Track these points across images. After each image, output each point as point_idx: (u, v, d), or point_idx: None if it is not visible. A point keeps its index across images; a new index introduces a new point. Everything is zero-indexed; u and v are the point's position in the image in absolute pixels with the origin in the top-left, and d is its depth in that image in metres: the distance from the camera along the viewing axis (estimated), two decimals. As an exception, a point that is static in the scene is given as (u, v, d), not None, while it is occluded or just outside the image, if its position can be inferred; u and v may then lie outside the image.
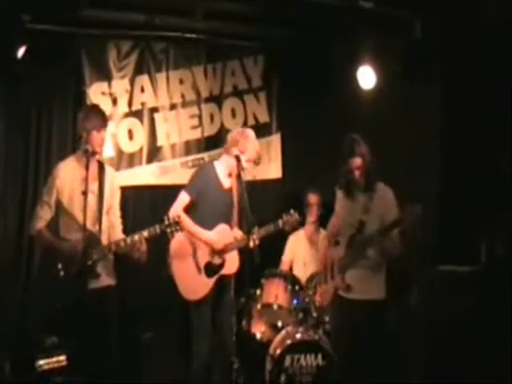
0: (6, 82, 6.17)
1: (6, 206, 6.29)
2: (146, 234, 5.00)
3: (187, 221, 5.44)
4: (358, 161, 5.07)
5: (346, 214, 5.30)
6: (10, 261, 6.25)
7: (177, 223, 5.00)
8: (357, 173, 5.10)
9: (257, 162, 5.71)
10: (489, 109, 5.73)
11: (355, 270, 5.14)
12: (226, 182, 5.63)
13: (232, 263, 5.60)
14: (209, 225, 5.52)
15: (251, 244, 5.26)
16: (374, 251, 5.03)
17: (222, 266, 5.56)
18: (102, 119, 5.15)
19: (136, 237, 4.99)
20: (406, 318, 5.80)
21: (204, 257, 5.54)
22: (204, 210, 5.51)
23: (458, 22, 5.75)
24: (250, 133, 5.73)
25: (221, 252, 5.54)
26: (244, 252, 5.50)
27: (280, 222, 5.65)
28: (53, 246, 5.04)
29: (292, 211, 5.74)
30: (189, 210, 5.52)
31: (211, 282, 5.51)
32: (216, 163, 5.69)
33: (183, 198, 5.50)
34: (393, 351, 5.38)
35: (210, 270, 5.53)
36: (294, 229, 6.16)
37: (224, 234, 5.57)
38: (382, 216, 5.01)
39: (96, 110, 5.27)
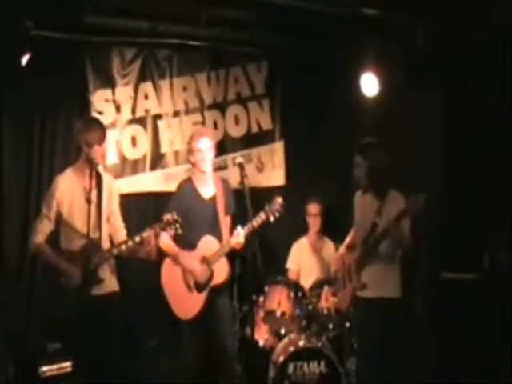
0: (10, 89, 6.17)
1: (10, 215, 6.28)
2: (145, 234, 4.98)
3: (171, 246, 5.58)
4: (358, 159, 5.26)
5: (360, 215, 5.41)
6: (13, 269, 6.24)
7: (176, 221, 4.99)
8: (356, 170, 5.28)
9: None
10: (492, 113, 5.72)
11: (370, 267, 5.18)
12: (207, 194, 5.67)
13: (220, 272, 5.58)
14: (194, 240, 5.55)
15: (236, 244, 5.43)
16: (386, 246, 5.08)
17: (211, 278, 5.55)
18: (102, 132, 5.14)
19: (137, 238, 4.98)
20: (411, 323, 5.78)
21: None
22: (189, 225, 5.35)
23: (461, 27, 5.74)
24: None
25: (207, 263, 5.54)
26: (244, 260, 5.65)
27: (262, 214, 5.50)
28: (52, 263, 5.04)
29: (275, 197, 5.62)
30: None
31: (203, 296, 5.53)
32: (193, 177, 5.73)
33: None
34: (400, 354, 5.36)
35: (200, 285, 5.54)
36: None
37: (208, 246, 5.57)
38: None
39: (95, 122, 5.26)
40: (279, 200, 5.57)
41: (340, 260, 5.56)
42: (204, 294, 5.52)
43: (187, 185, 5.72)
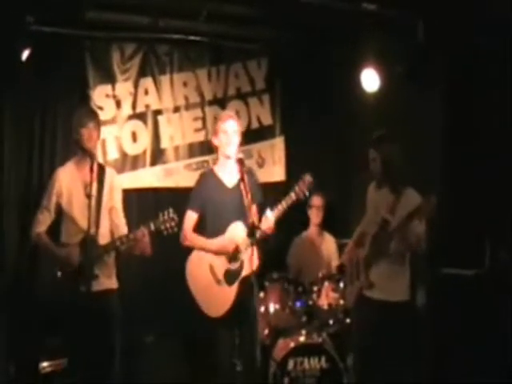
0: (10, 84, 6.16)
1: (9, 211, 6.28)
2: (139, 232, 4.99)
3: (196, 239, 5.33)
4: (373, 154, 5.16)
5: (372, 209, 5.32)
6: (12, 263, 6.24)
7: (172, 219, 4.95)
8: (372, 165, 5.17)
9: None
10: (492, 111, 5.72)
11: (379, 267, 5.10)
12: (230, 182, 5.40)
13: (250, 262, 5.07)
14: (222, 227, 5.28)
15: (267, 229, 5.10)
16: (397, 244, 4.96)
17: (241, 268, 5.24)
18: (92, 118, 5.17)
19: (131, 235, 4.98)
20: (413, 320, 5.78)
21: (221, 267, 5.28)
22: (214, 216, 5.31)
23: (461, 23, 5.74)
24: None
25: (237, 254, 5.23)
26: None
27: (293, 194, 5.21)
28: (50, 252, 5.06)
29: (303, 176, 5.27)
30: (201, 223, 5.39)
31: (233, 290, 5.22)
32: (215, 167, 5.53)
33: (190, 217, 5.35)
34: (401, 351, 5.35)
35: (230, 276, 5.24)
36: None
37: (237, 232, 5.24)
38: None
39: (87, 109, 5.34)
40: (308, 178, 5.24)
41: (348, 256, 5.52)
42: (234, 288, 5.21)
43: (208, 176, 5.46)
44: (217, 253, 5.28)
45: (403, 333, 5.04)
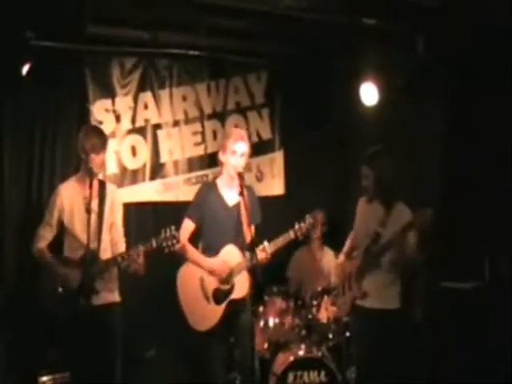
0: (11, 98, 6.18)
1: (10, 224, 6.28)
2: (142, 248, 4.96)
3: (190, 250, 5.30)
4: (366, 170, 5.14)
5: (363, 224, 5.32)
6: (12, 278, 6.23)
7: (174, 237, 4.92)
8: (364, 181, 5.17)
9: None
10: (491, 124, 5.74)
11: (371, 277, 5.11)
12: (231, 200, 5.36)
13: (241, 287, 5.20)
14: (217, 246, 5.27)
15: (262, 259, 5.03)
16: (391, 257, 4.99)
17: (231, 290, 5.22)
18: (101, 141, 5.14)
19: (132, 251, 4.98)
20: (412, 333, 5.78)
21: (212, 284, 5.23)
22: (211, 232, 5.30)
23: (461, 36, 5.77)
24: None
25: (228, 276, 5.21)
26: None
27: (291, 233, 5.24)
28: (51, 268, 5.06)
29: (307, 216, 5.30)
30: (196, 234, 5.36)
31: (220, 309, 5.19)
32: (218, 180, 5.46)
33: (187, 226, 5.31)
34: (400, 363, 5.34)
35: (219, 296, 5.21)
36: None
37: (230, 256, 5.24)
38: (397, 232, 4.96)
39: (95, 131, 5.26)
40: (310, 220, 5.28)
41: (340, 267, 5.53)
42: (222, 307, 5.18)
43: (210, 189, 5.40)
44: (209, 272, 5.26)
45: (398, 340, 5.05)
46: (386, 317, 5.03)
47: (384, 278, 5.10)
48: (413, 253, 4.96)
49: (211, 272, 5.23)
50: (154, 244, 4.95)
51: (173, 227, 4.99)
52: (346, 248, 5.61)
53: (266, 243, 5.12)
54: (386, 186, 5.13)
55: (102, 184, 5.28)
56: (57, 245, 5.21)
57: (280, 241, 5.20)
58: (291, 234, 5.23)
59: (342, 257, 5.60)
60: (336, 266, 5.70)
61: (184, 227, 5.30)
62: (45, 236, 5.16)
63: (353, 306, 5.26)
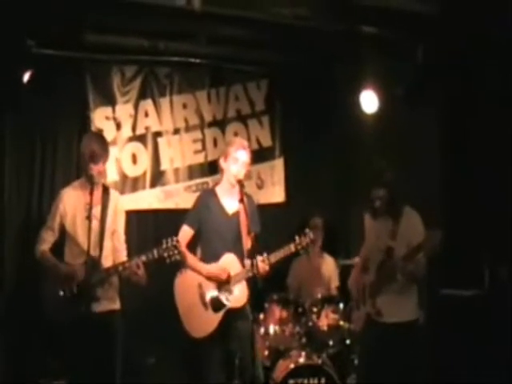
0: (11, 106, 6.20)
1: (10, 231, 6.29)
2: (143, 258, 4.94)
3: (189, 256, 5.28)
4: (380, 192, 5.05)
5: (373, 238, 5.25)
6: (13, 283, 6.24)
7: (175, 247, 4.89)
8: (377, 202, 5.07)
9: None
10: (491, 133, 5.75)
11: (385, 295, 5.03)
12: (231, 208, 5.35)
13: (240, 296, 5.21)
14: (215, 255, 5.26)
15: (262, 271, 5.01)
16: (405, 277, 4.92)
17: (228, 299, 5.22)
18: (102, 149, 5.11)
19: (133, 261, 4.98)
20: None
21: (210, 289, 5.23)
22: (209, 240, 5.30)
23: (459, 44, 5.78)
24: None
25: (227, 284, 5.21)
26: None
27: (292, 246, 5.30)
28: (54, 268, 5.05)
29: (307, 230, 5.37)
30: (194, 241, 5.36)
31: (218, 317, 5.17)
32: (217, 188, 5.45)
33: (186, 232, 5.31)
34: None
35: (217, 304, 5.19)
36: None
37: (229, 264, 5.24)
38: (409, 240, 4.89)
39: (97, 139, 5.24)
40: (310, 235, 5.33)
41: (353, 281, 5.42)
42: (220, 315, 5.17)
43: (210, 197, 5.39)
44: (207, 278, 5.26)
45: (411, 352, 4.99)
46: (403, 329, 4.96)
47: (398, 293, 5.00)
48: (420, 271, 4.91)
49: (210, 277, 5.23)
50: (156, 254, 4.93)
51: (175, 238, 4.97)
52: (359, 263, 5.48)
53: (265, 255, 5.16)
54: (396, 199, 5.08)
55: (106, 190, 5.26)
56: (58, 250, 5.20)
57: (280, 253, 5.25)
58: (292, 248, 5.29)
59: (356, 271, 5.47)
60: (350, 278, 5.60)
61: (182, 234, 5.29)
62: (47, 239, 5.16)
63: (367, 321, 5.16)
